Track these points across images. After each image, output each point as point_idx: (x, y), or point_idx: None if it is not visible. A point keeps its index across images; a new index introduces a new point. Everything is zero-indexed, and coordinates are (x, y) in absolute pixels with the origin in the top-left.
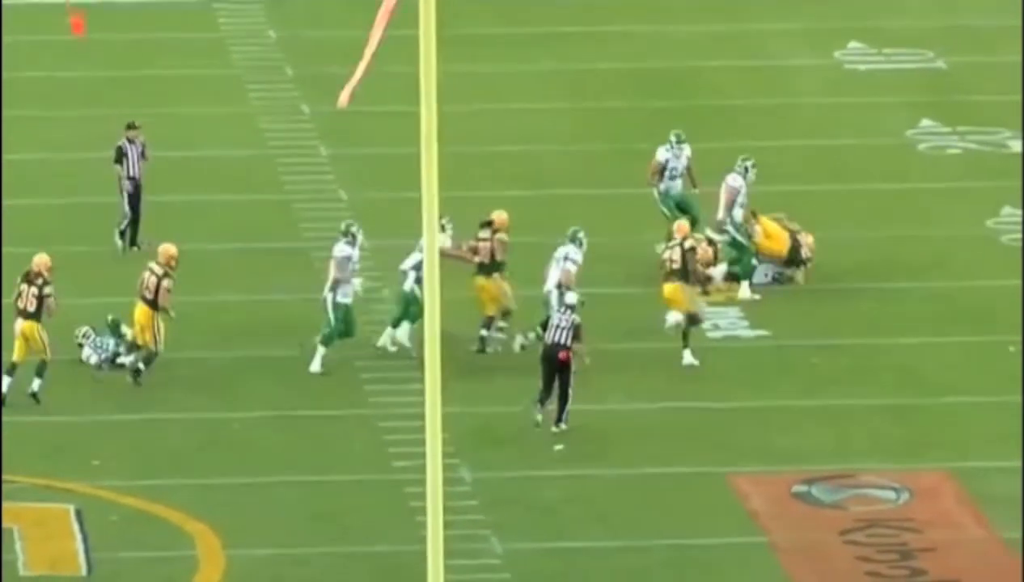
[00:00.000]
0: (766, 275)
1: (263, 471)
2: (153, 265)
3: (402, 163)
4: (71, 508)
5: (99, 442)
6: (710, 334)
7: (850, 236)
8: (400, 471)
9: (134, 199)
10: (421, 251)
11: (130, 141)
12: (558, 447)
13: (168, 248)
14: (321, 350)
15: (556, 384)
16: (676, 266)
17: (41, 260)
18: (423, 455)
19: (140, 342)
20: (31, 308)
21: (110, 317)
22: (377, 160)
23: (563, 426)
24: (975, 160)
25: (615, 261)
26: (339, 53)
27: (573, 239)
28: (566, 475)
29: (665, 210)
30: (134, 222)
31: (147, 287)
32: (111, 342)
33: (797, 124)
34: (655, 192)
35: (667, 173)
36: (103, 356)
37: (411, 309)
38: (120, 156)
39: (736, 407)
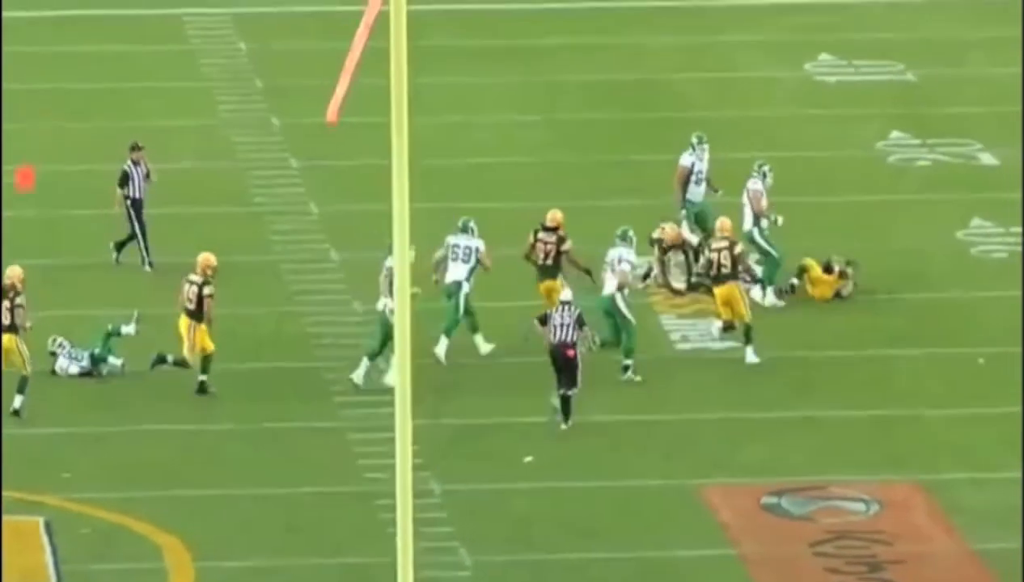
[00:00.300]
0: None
1: (234, 483)
2: (192, 276)
3: (373, 175)
4: (41, 521)
5: (70, 454)
6: (680, 346)
7: (820, 248)
8: (370, 483)
9: (139, 219)
10: (464, 258)
11: (134, 162)
12: (528, 459)
13: (208, 258)
14: (365, 363)
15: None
16: (727, 270)
17: (13, 273)
18: (393, 467)
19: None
20: (7, 322)
21: (110, 326)
22: (348, 172)
23: (570, 423)
24: (945, 172)
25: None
26: (309, 65)
27: (624, 238)
28: (536, 487)
29: (688, 225)
30: (144, 240)
31: (188, 298)
32: (86, 353)
33: (767, 136)
34: (683, 203)
35: (693, 177)
36: (82, 365)
37: (471, 319)
38: (125, 179)
39: (706, 419)
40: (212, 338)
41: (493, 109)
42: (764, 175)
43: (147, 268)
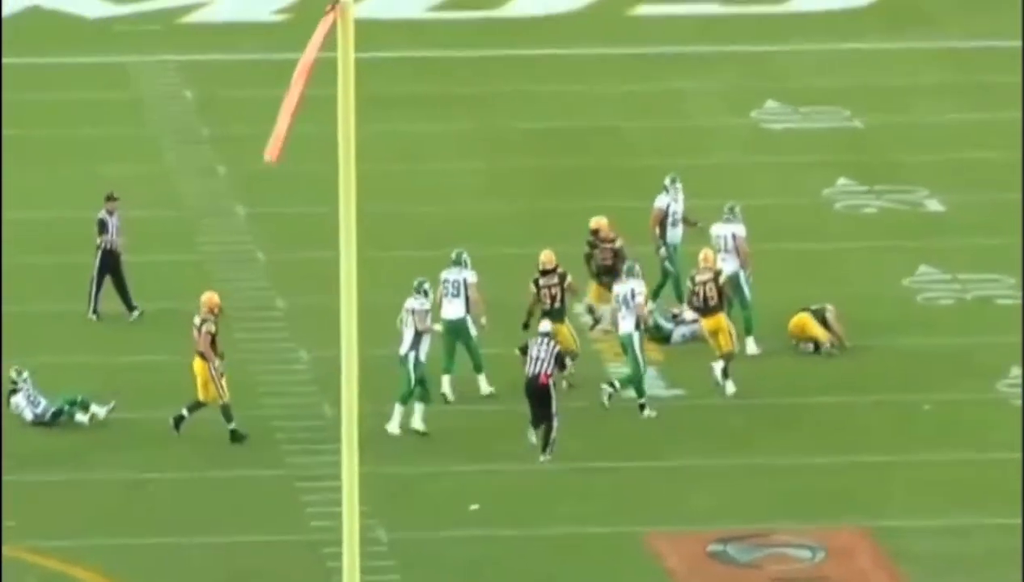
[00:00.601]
0: (683, 336)
1: (180, 532)
2: (196, 318)
3: (320, 222)
4: None
5: (16, 503)
6: (627, 392)
7: (766, 295)
8: (317, 531)
9: (115, 269)
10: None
11: (109, 213)
12: (474, 507)
13: (211, 297)
14: (399, 409)
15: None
16: (713, 302)
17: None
18: (340, 515)
19: (203, 398)
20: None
21: (80, 396)
22: (294, 220)
23: (548, 455)
24: (892, 219)
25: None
26: (255, 113)
27: (631, 272)
28: (483, 535)
29: (669, 266)
30: (121, 288)
31: (198, 341)
32: (43, 401)
33: (714, 183)
34: (661, 248)
35: (669, 219)
36: (37, 413)
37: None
38: (103, 227)
39: (652, 466)
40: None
41: (439, 156)
42: (733, 214)
43: (131, 313)
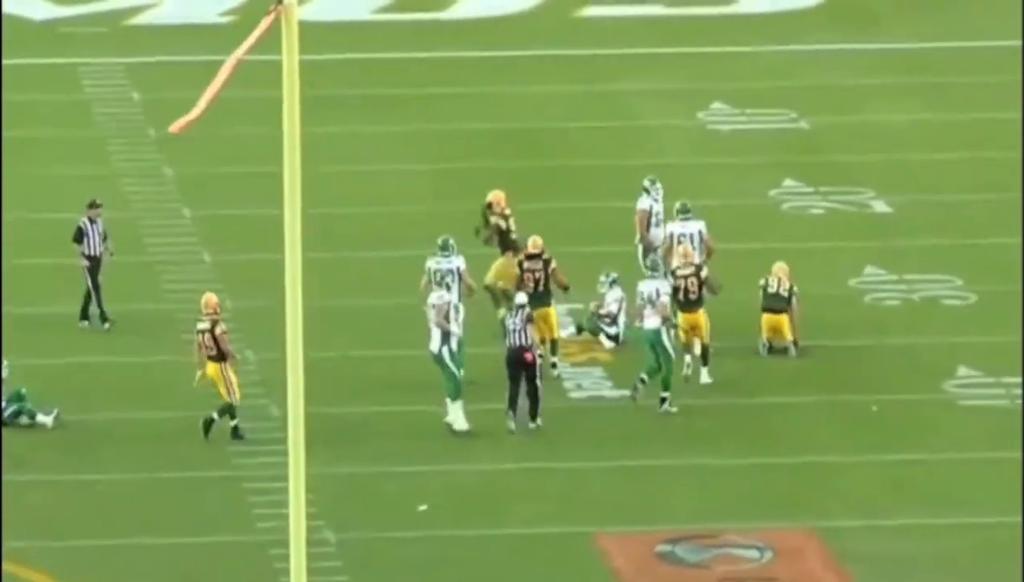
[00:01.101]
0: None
1: (128, 533)
2: (201, 323)
3: (265, 224)
4: None
5: None
6: (573, 394)
7: (714, 296)
8: (264, 533)
9: (94, 277)
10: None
11: (91, 220)
12: (422, 507)
13: (210, 298)
14: (458, 404)
15: (525, 387)
16: (694, 296)
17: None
18: (287, 516)
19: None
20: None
21: (29, 405)
22: (241, 222)
23: (539, 422)
24: (838, 220)
25: (478, 321)
26: (202, 115)
27: (655, 268)
28: (431, 536)
29: (653, 271)
30: (97, 298)
31: (206, 345)
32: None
33: (661, 184)
34: (649, 254)
35: (652, 220)
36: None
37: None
38: (80, 235)
39: (600, 467)
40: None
41: (385, 158)
42: (692, 212)
43: (104, 325)
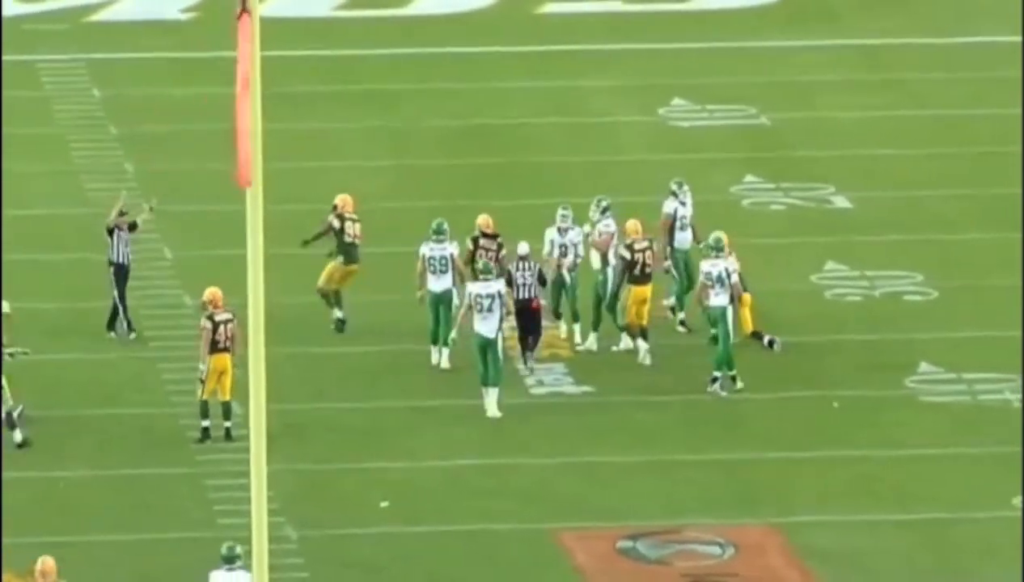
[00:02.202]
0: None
1: (90, 530)
2: (218, 315)
3: (227, 221)
4: None
5: None
6: (534, 390)
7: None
8: (226, 529)
9: (120, 286)
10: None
11: (117, 228)
12: (384, 504)
13: (215, 292)
14: (493, 391)
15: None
16: (650, 269)
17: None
18: (249, 513)
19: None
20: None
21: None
22: (202, 218)
23: (533, 355)
24: (799, 216)
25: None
26: (163, 112)
27: (719, 248)
28: (392, 532)
29: (675, 272)
30: (123, 308)
31: (228, 336)
32: None
33: (621, 181)
34: (670, 251)
35: (677, 224)
36: None
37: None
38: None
39: (561, 462)
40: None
41: (346, 154)
42: (605, 210)
43: (131, 335)
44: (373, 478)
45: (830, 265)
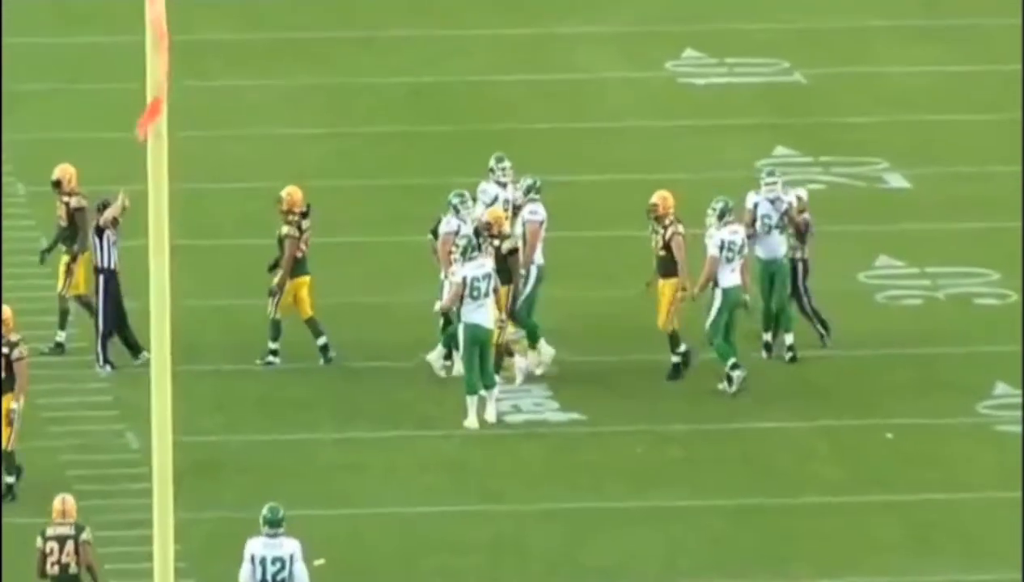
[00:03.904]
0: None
1: None
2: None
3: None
4: None
5: None
6: (509, 417)
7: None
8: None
9: (105, 297)
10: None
11: (109, 227)
12: (319, 562)
13: (7, 313)
14: (491, 393)
15: None
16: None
17: None
18: (150, 572)
19: None
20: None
21: None
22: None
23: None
24: (843, 197)
25: (382, 318)
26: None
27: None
28: None
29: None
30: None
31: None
32: None
33: (617, 154)
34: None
35: (758, 223)
36: None
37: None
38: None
39: (544, 509)
40: None
41: (272, 120)
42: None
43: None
44: (304, 528)
45: (882, 260)
